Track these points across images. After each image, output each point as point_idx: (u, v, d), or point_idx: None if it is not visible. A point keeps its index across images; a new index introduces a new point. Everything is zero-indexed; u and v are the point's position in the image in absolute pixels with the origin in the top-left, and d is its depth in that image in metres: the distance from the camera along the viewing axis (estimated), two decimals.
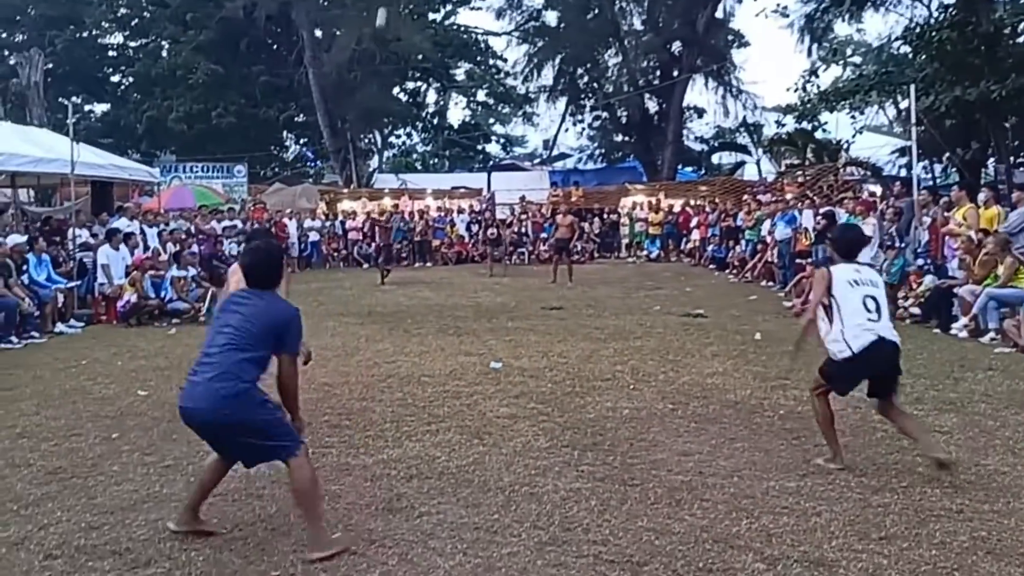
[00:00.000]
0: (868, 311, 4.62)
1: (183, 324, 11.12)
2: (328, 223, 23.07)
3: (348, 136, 30.80)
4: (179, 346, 9.25)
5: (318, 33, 31.15)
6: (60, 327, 10.80)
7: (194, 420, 3.70)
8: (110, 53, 37.07)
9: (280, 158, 36.65)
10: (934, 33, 16.62)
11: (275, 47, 34.25)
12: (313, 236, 21.84)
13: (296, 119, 34.66)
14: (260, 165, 31.51)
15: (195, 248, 14.99)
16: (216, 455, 3.91)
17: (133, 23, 35.90)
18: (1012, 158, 19.64)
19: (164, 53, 34.21)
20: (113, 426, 5.86)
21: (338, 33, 30.62)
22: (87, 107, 36.69)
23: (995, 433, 5.36)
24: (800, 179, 20.10)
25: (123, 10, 35.74)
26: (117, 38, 37.09)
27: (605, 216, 24.37)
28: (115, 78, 37.48)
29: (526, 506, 4.21)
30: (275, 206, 22.12)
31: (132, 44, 36.57)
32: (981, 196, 10.62)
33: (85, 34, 35.42)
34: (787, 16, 23.94)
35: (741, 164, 33.47)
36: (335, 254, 22.53)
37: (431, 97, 39.73)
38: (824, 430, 4.88)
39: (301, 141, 37.81)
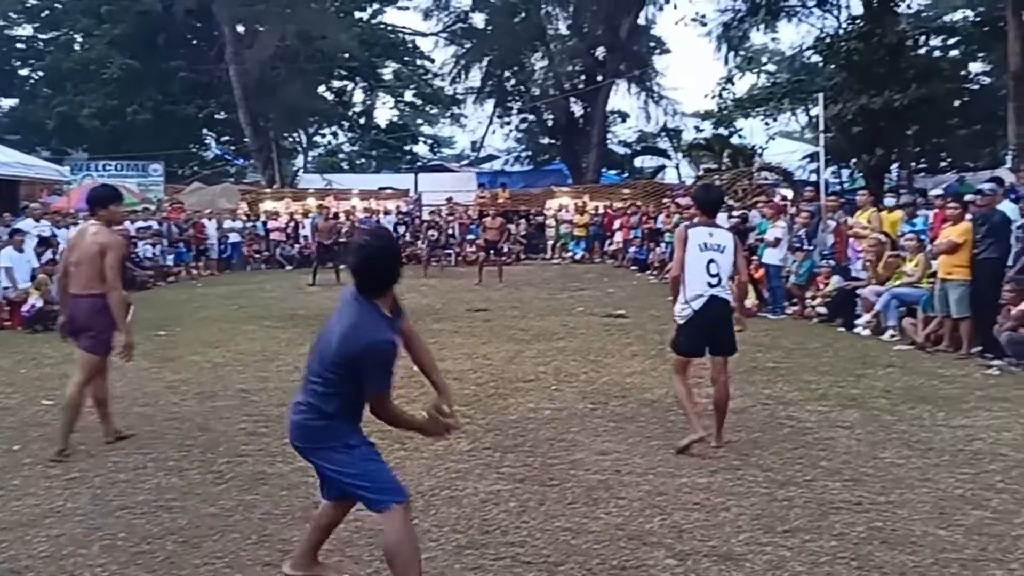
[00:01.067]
0: (710, 275, 5.04)
1: None
2: (250, 224, 22.51)
3: (271, 135, 30.13)
4: None
5: (240, 29, 30.34)
6: None
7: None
8: (18, 45, 35.20)
9: (199, 157, 35.56)
10: (842, 44, 17.42)
11: (195, 42, 33.19)
12: (234, 237, 21.26)
13: (216, 116, 33.70)
14: (178, 164, 30.47)
15: None
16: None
17: (43, 15, 34.21)
18: (913, 164, 20.75)
19: (77, 47, 32.75)
20: (15, 437, 5.60)
21: (261, 29, 29.91)
22: None
23: (892, 427, 5.66)
24: (716, 183, 20.70)
25: (33, 1, 34.04)
26: (26, 30, 35.27)
27: (531, 218, 24.55)
28: (24, 72, 35.62)
29: (446, 510, 4.22)
30: (193, 206, 21.46)
31: (42, 37, 34.86)
32: (887, 200, 11.19)
33: None
34: (705, 25, 24.70)
35: (662, 168, 34.26)
36: (256, 256, 21.99)
37: (358, 96, 39.31)
38: (682, 405, 5.25)
39: (222, 139, 36.78)
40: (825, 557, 3.65)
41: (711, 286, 5.03)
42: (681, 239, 5.17)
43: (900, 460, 4.95)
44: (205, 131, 35.61)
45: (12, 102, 35.50)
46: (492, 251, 16.65)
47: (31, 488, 4.59)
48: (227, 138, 36.20)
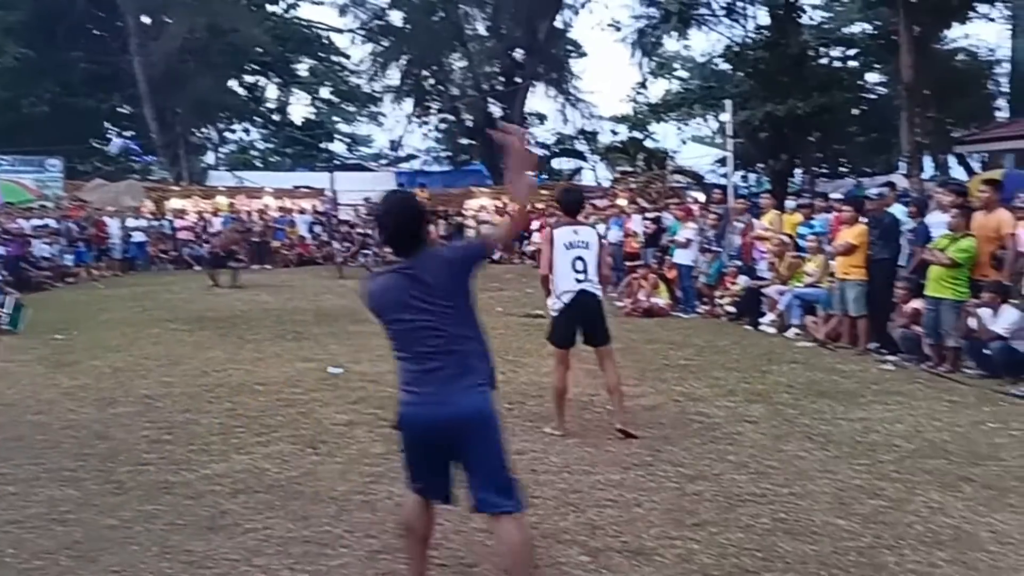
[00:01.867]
0: (576, 271, 5.34)
1: None
2: (156, 222, 21.60)
3: (178, 130, 29.03)
4: None
5: (145, 19, 29.11)
6: None
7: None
8: None
9: (101, 152, 33.89)
10: (750, 52, 18.07)
11: (96, 32, 31.61)
12: (138, 236, 20.37)
13: (119, 110, 32.20)
14: (78, 159, 28.95)
15: (0, 250, 13.62)
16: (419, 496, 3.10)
17: None
18: (815, 169, 21.73)
19: None
20: None
21: (168, 21, 28.76)
22: None
23: (795, 421, 5.88)
24: (632, 186, 21.14)
25: None
26: None
27: (450, 218, 24.47)
28: None
29: (359, 515, 4.15)
30: (96, 203, 20.45)
31: None
32: (787, 203, 11.66)
33: None
34: (620, 30, 25.19)
35: (579, 170, 34.78)
36: (163, 256, 21.12)
37: (271, 92, 38.30)
38: (555, 400, 5.59)
39: (125, 134, 35.15)
40: (732, 549, 3.75)
41: (579, 281, 5.34)
42: (547, 239, 5.47)
43: (803, 453, 5.15)
44: (108, 125, 33.98)
45: None
46: None
47: None
48: (131, 133, 34.64)
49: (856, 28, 22.75)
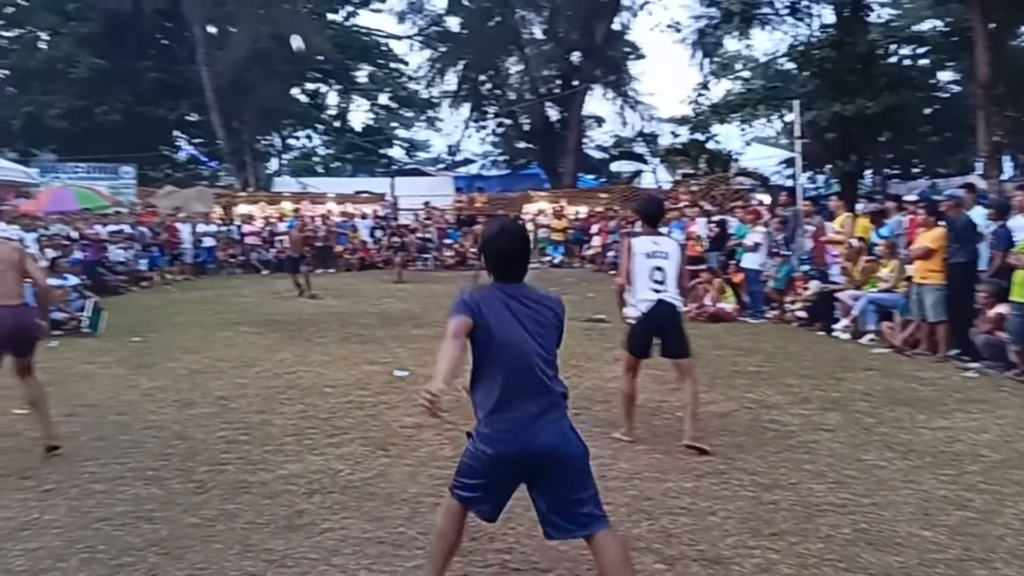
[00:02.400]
0: (655, 282, 5.30)
1: (64, 336, 10.45)
2: (224, 228, 22.25)
3: (244, 137, 29.83)
4: (60, 359, 8.67)
5: (212, 29, 30.03)
6: None
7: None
8: None
9: (171, 159, 35.07)
10: (815, 52, 17.67)
11: (165, 42, 32.75)
12: (208, 241, 21.01)
13: (188, 118, 33.27)
14: (150, 166, 30.03)
15: (78, 255, 14.18)
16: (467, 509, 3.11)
17: (6, 11, 33.53)
18: (886, 170, 21.09)
19: (43, 45, 32.11)
20: None
21: (233, 30, 29.61)
22: None
23: (874, 430, 5.71)
24: (694, 188, 20.86)
25: None
26: None
27: None
28: None
29: (431, 517, 4.14)
30: (167, 209, 21.17)
31: (6, 35, 34.10)
32: (859, 206, 11.34)
33: None
34: (680, 31, 24.87)
35: (639, 173, 34.44)
36: (231, 260, 21.75)
37: (332, 99, 39.06)
38: (624, 405, 5.56)
39: (194, 142, 36.33)
40: (813, 559, 3.66)
41: (656, 291, 5.29)
42: (627, 249, 5.47)
43: (882, 462, 4.99)
44: (177, 133, 35.15)
45: None
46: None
47: (4, 501, 4.46)
48: (199, 140, 35.78)
49: (926, 25, 22.04)
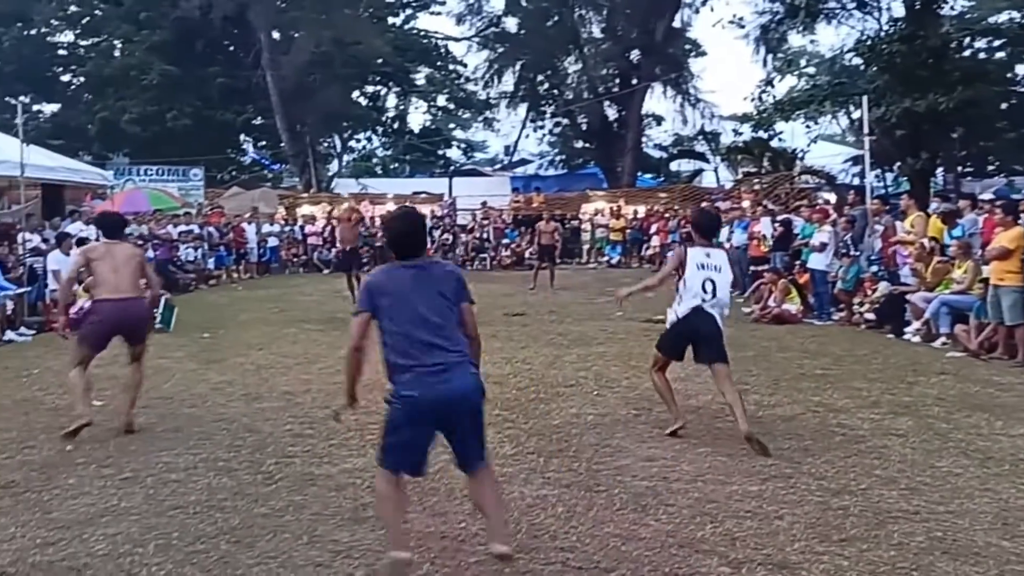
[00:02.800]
0: (704, 292, 5.45)
1: None
2: (287, 228, 22.78)
3: (307, 140, 30.49)
4: None
5: (276, 35, 30.81)
6: (10, 335, 10.47)
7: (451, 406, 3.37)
8: (60, 52, 36.07)
9: (237, 161, 36.08)
10: (884, 46, 17.12)
11: (232, 48, 33.73)
12: (272, 241, 21.53)
13: (254, 122, 34.18)
14: (217, 168, 30.97)
15: (151, 253, 14.69)
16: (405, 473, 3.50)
17: (84, 21, 35.00)
18: (960, 168, 20.33)
19: (117, 53, 33.44)
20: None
21: (296, 36, 30.31)
22: (36, 107, 35.65)
23: (948, 436, 5.51)
24: (756, 187, 20.46)
25: (73, 8, 34.82)
26: (67, 36, 36.13)
27: (566, 222, 24.48)
28: (65, 77, 36.48)
29: None
30: (233, 210, 21.77)
31: (83, 43, 35.67)
32: (933, 206, 10.96)
33: (34, 32, 34.43)
34: (743, 27, 24.43)
35: (699, 172, 33.96)
36: (295, 259, 22.25)
37: (391, 101, 39.58)
38: (663, 396, 5.73)
39: (259, 144, 37.30)
40: (884, 567, 3.56)
41: (704, 301, 5.44)
42: (678, 257, 5.63)
43: (958, 469, 4.82)
44: (243, 136, 36.14)
45: (54, 107, 36.37)
46: (547, 257, 16.68)
47: (86, 487, 4.66)
48: (264, 143, 36.72)
49: (1003, 17, 21.15)
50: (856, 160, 22.00)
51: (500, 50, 33.18)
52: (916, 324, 9.25)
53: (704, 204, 11.94)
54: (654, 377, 5.72)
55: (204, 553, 3.74)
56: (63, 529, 4.03)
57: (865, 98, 13.25)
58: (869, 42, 18.60)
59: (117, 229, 6.25)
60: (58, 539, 3.91)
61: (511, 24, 33.37)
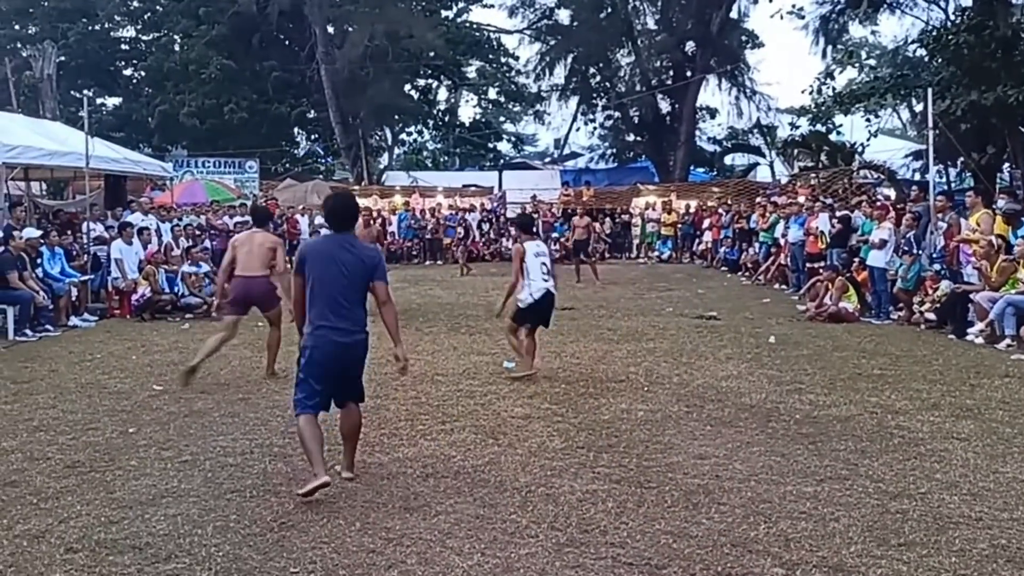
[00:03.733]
0: (544, 274, 7.10)
1: (196, 319, 11.16)
2: None
3: (359, 133, 30.82)
4: (192, 341, 9.26)
5: (330, 29, 31.17)
6: (74, 320, 10.85)
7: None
8: (122, 46, 37.12)
9: (291, 154, 36.68)
10: (951, 36, 16.49)
11: (287, 43, 34.26)
12: (325, 231, 21.82)
13: (307, 115, 34.68)
14: (271, 161, 31.54)
15: (208, 243, 15.05)
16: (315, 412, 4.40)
17: (145, 16, 35.96)
18: None
19: (176, 47, 34.24)
20: (129, 420, 5.89)
21: (350, 29, 30.63)
22: (99, 100, 36.77)
23: (1013, 440, 5.33)
24: (813, 182, 20.00)
25: (135, 3, 35.79)
26: (129, 31, 37.16)
27: (617, 216, 24.30)
28: (127, 72, 37.55)
29: (543, 507, 4.20)
30: (287, 202, 22.15)
31: (144, 38, 36.65)
32: (1000, 203, 10.56)
33: (97, 27, 35.47)
34: (803, 17, 23.76)
35: (755, 166, 33.28)
36: None
37: (442, 94, 39.70)
38: (514, 345, 7.28)
39: (312, 137, 37.85)
40: (945, 573, 3.47)
41: (545, 281, 7.08)
42: (520, 252, 7.19)
43: (1023, 475, 4.65)
44: (296, 129, 36.71)
45: (116, 101, 37.45)
46: (580, 252, 16.61)
47: (147, 469, 4.81)
48: (317, 136, 37.24)
49: None
50: (918, 155, 21.31)
51: (552, 43, 32.99)
52: (980, 325, 8.93)
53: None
54: (510, 336, 7.29)
55: (260, 536, 3.83)
56: (126, 508, 4.17)
57: (930, 91, 12.84)
58: (935, 33, 17.95)
59: (262, 220, 7.76)
60: (120, 518, 4.05)
61: (563, 16, 33.15)
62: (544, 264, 7.08)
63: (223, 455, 5.03)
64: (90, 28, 34.90)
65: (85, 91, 26.76)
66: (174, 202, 18.05)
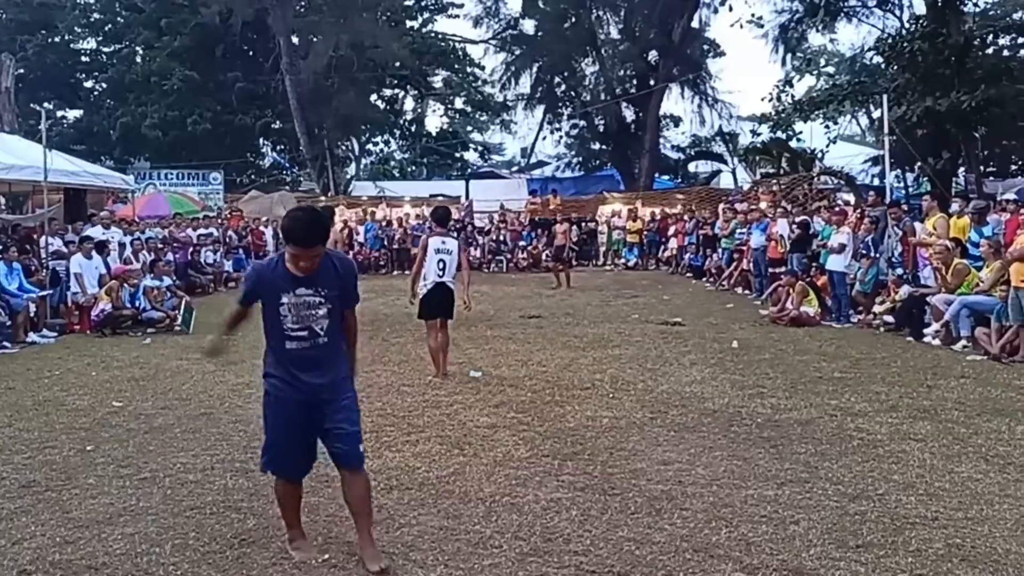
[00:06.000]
0: (439, 270, 7.48)
1: (158, 333, 10.98)
2: None
3: (325, 143, 30.66)
4: (154, 356, 9.14)
5: (295, 40, 31.00)
6: (33, 337, 10.61)
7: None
8: (83, 59, 36.56)
9: (256, 165, 36.34)
10: (905, 44, 16.93)
11: (251, 53, 34.00)
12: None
13: (272, 126, 34.38)
14: (236, 172, 31.21)
15: (170, 256, 14.84)
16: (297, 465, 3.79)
17: (106, 28, 35.45)
18: (982, 168, 20.05)
19: (138, 59, 33.82)
20: (88, 438, 5.77)
21: (315, 40, 30.49)
22: (60, 113, 36.15)
23: (968, 440, 5.45)
24: (775, 188, 20.31)
25: (96, 15, 35.28)
26: (90, 43, 36.61)
27: (583, 224, 24.42)
28: (88, 84, 36.97)
29: (507, 516, 4.20)
30: (252, 214, 21.93)
31: (105, 50, 36.12)
32: (953, 206, 10.82)
33: (57, 39, 34.88)
34: (762, 26, 24.26)
35: (717, 173, 33.73)
36: None
37: (408, 104, 39.65)
38: (431, 352, 7.70)
39: (278, 148, 37.54)
40: (902, 574, 3.53)
41: (439, 277, 7.47)
42: (424, 245, 7.64)
43: (978, 475, 4.76)
44: (262, 140, 36.40)
45: (77, 113, 36.84)
46: (559, 258, 16.99)
47: (105, 488, 4.72)
48: (282, 147, 36.94)
49: None
50: (876, 160, 21.74)
51: (517, 52, 33.17)
52: (935, 326, 9.14)
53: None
54: (429, 340, 7.64)
55: (220, 553, 3.77)
56: (82, 528, 4.09)
57: (885, 97, 13.14)
58: (890, 40, 18.40)
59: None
60: (76, 538, 3.96)
61: (528, 26, 33.36)
62: (442, 261, 7.45)
63: (183, 471, 4.96)
64: (49, 40, 34.30)
65: (45, 104, 26.27)
66: (136, 215, 17.78)
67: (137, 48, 34.09)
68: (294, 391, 3.60)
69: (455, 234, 8.88)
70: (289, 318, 3.58)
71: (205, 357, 3.70)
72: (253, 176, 34.23)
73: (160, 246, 14.99)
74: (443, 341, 7.63)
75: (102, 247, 12.37)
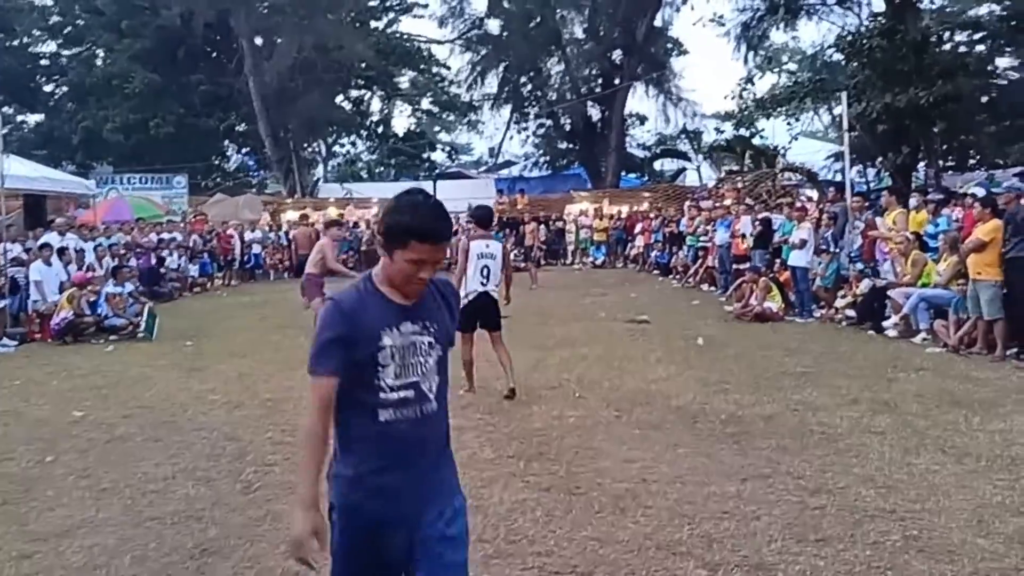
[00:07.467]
0: (483, 277, 6.78)
1: (120, 341, 10.80)
2: (272, 234, 22.67)
3: (291, 145, 30.39)
4: (117, 363, 9.00)
5: (258, 41, 30.67)
6: None
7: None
8: (42, 62, 35.79)
9: (221, 168, 35.90)
10: (865, 41, 17.17)
11: (214, 55, 33.57)
12: (257, 247, 21.43)
13: (237, 128, 34.04)
14: (201, 176, 30.78)
15: (133, 262, 14.61)
16: None
17: (66, 31, 34.74)
18: (941, 162, 20.43)
19: (99, 62, 33.24)
20: (47, 448, 5.65)
21: (278, 41, 30.19)
22: (19, 117, 35.36)
23: (926, 433, 5.55)
24: (739, 185, 20.53)
25: (56, 18, 34.55)
26: (50, 46, 35.85)
27: (551, 223, 24.49)
28: (48, 87, 36.23)
29: (471, 519, 4.14)
30: (217, 217, 21.65)
31: (65, 53, 35.41)
32: (912, 201, 11.02)
33: (16, 42, 34.13)
34: (723, 25, 24.48)
35: (682, 171, 34.01)
36: (280, 265, 22.13)
37: (375, 105, 39.44)
38: (466, 367, 6.91)
39: (243, 151, 37.13)
40: (860, 567, 3.58)
41: (483, 285, 6.78)
42: (464, 250, 6.85)
43: (935, 466, 4.85)
44: (226, 143, 35.96)
45: (38, 117, 36.10)
46: (529, 257, 17.18)
47: (64, 499, 4.63)
48: (248, 149, 36.54)
49: (983, 10, 21.25)
50: (838, 156, 22.03)
51: (483, 52, 33.18)
52: (895, 318, 9.31)
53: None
54: (463, 354, 6.78)
55: (180, 564, 3.72)
56: (40, 542, 4.01)
57: (845, 94, 13.32)
58: (850, 37, 18.65)
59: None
60: (34, 552, 3.89)
61: (494, 26, 33.37)
62: (487, 267, 6.74)
63: (144, 481, 4.88)
64: (8, 44, 33.57)
65: (4, 108, 25.70)
66: (99, 220, 17.46)
67: (98, 51, 33.51)
68: (389, 506, 2.25)
69: (498, 235, 8.14)
70: (391, 369, 2.20)
71: (291, 555, 2.27)
72: (218, 179, 33.83)
73: (123, 252, 14.75)
74: (501, 353, 6.85)
75: (62, 253, 12.13)
